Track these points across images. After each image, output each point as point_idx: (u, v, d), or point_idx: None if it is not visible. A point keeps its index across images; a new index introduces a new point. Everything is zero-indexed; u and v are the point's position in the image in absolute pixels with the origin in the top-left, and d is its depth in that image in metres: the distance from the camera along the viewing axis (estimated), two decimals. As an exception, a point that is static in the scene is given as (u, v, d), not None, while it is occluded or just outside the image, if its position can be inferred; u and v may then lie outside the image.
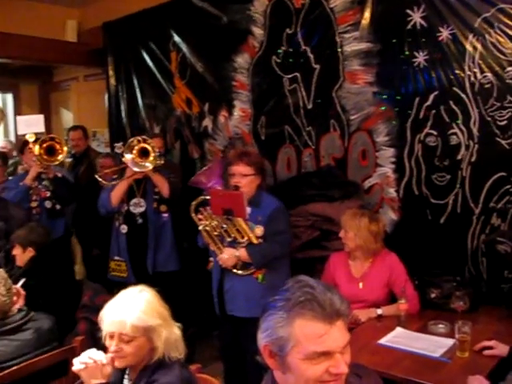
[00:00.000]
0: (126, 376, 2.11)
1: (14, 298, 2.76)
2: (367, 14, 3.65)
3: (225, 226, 3.35)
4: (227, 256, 3.32)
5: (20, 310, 2.71)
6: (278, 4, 4.12)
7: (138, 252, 4.07)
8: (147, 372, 2.00)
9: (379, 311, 3.14)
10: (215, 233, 3.41)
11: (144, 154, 3.89)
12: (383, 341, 2.76)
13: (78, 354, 2.13)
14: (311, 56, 3.98)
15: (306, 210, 3.88)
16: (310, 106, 4.04)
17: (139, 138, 3.92)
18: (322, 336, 1.33)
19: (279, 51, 4.17)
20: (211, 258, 3.56)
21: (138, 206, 4.05)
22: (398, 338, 2.78)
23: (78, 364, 2.03)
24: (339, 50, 3.81)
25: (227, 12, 4.48)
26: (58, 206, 4.69)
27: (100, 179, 4.08)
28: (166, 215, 4.13)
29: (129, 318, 1.96)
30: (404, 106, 3.55)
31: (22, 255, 3.56)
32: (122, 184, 4.00)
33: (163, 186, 4.00)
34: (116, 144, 4.24)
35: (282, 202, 3.44)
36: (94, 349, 2.08)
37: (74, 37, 6.24)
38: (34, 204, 4.58)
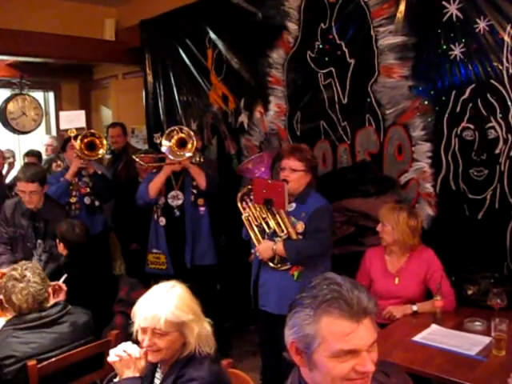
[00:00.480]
0: (158, 369, 2.15)
1: (49, 290, 2.84)
2: (402, 7, 3.60)
3: (266, 217, 3.35)
4: (264, 248, 3.33)
5: (57, 304, 2.80)
6: (312, -1, 4.11)
7: (177, 244, 4.12)
8: (178, 366, 2.03)
9: (414, 308, 3.11)
10: (256, 223, 3.42)
11: (182, 144, 3.94)
12: (418, 338, 2.73)
13: (113, 348, 2.18)
14: (346, 50, 3.95)
15: (342, 206, 3.88)
16: (345, 101, 4.02)
17: (177, 128, 3.98)
18: (348, 334, 1.33)
19: (314, 46, 4.15)
20: (253, 250, 3.54)
21: (175, 199, 4.10)
22: (433, 335, 2.75)
23: (113, 356, 2.09)
24: (374, 43, 3.77)
25: (262, 8, 4.49)
26: (96, 203, 4.80)
27: (138, 159, 4.13)
28: (203, 209, 4.16)
29: (163, 314, 1.98)
30: (440, 100, 3.49)
31: (62, 250, 3.66)
32: (160, 176, 4.06)
33: (200, 178, 4.04)
34: (155, 134, 4.31)
35: (328, 202, 3.40)
36: (129, 342, 2.13)
37: (112, 35, 6.34)
38: (73, 200, 4.70)
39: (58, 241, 3.67)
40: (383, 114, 3.80)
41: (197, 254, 4.14)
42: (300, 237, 3.29)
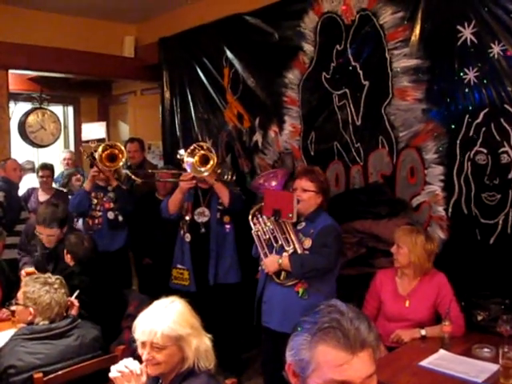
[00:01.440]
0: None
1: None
2: (417, 31, 3.62)
3: (274, 232, 3.42)
4: (270, 261, 3.38)
5: (66, 317, 2.83)
6: (328, 20, 4.14)
7: (201, 261, 4.16)
8: (177, 380, 2.06)
9: (423, 332, 3.08)
10: (265, 237, 3.47)
11: (205, 161, 3.97)
12: (425, 362, 2.71)
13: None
14: (361, 72, 3.97)
15: (353, 227, 3.88)
16: (358, 123, 4.03)
17: (196, 146, 4.00)
18: (342, 365, 1.31)
19: (329, 67, 4.17)
20: (260, 268, 3.59)
21: (202, 216, 4.14)
22: (441, 360, 2.73)
23: (114, 371, 2.10)
24: (389, 66, 3.79)
25: (279, 29, 4.53)
26: (120, 218, 4.86)
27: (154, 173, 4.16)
28: (228, 226, 4.21)
29: (159, 328, 2.02)
30: (454, 124, 3.49)
31: (69, 261, 3.70)
32: (176, 193, 4.13)
33: (224, 195, 4.08)
34: (179, 151, 4.35)
35: (337, 223, 3.44)
36: (130, 358, 2.14)
37: (131, 52, 6.44)
38: (96, 214, 4.78)
39: (65, 252, 3.71)
40: (396, 136, 3.80)
41: (220, 271, 4.16)
42: (306, 252, 3.34)
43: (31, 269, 3.90)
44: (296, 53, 4.40)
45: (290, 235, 3.37)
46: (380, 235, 3.72)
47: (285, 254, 3.36)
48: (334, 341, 1.31)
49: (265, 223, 3.49)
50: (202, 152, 3.98)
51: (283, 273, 3.36)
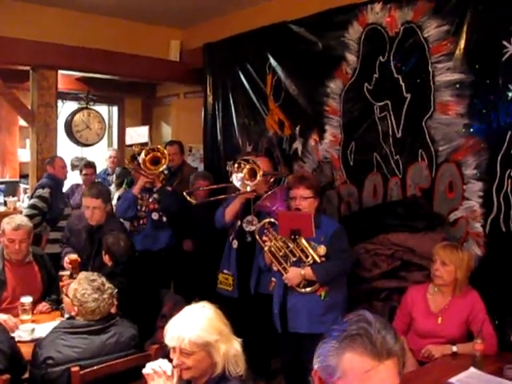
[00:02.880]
0: (190, 389, 2.22)
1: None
2: (462, 45, 3.61)
3: (290, 246, 3.46)
4: (293, 275, 3.44)
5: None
6: (372, 32, 4.16)
7: (245, 269, 4.19)
8: None
9: (454, 348, 3.06)
10: (280, 253, 3.52)
11: (253, 174, 3.99)
12: (454, 379, 2.69)
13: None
14: (403, 85, 3.97)
15: (388, 239, 3.86)
16: (399, 135, 4.03)
17: (242, 161, 4.04)
18: (368, 371, 1.32)
19: (371, 78, 4.19)
20: (273, 279, 3.69)
21: (250, 224, 4.13)
22: (470, 378, 2.71)
23: (148, 368, 2.17)
24: (431, 79, 3.78)
25: (322, 38, 4.56)
26: (164, 219, 4.95)
27: (188, 197, 4.23)
28: None
29: (187, 334, 2.08)
30: (495, 140, 3.47)
31: (108, 261, 3.80)
32: (234, 203, 4.17)
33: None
34: (229, 162, 4.39)
35: (340, 223, 3.62)
36: (166, 360, 2.20)
37: (176, 56, 6.56)
38: (142, 214, 4.89)
39: (103, 252, 3.82)
40: (436, 150, 3.78)
41: (262, 282, 4.15)
42: (323, 259, 3.42)
43: (74, 255, 4.03)
44: (339, 63, 4.42)
45: (305, 247, 3.43)
46: (415, 249, 3.70)
47: (304, 265, 3.42)
48: (361, 348, 1.33)
49: (276, 239, 3.53)
50: (249, 166, 4.00)
51: (303, 282, 3.45)
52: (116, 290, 2.99)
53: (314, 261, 3.40)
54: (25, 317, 3.48)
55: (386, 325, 1.40)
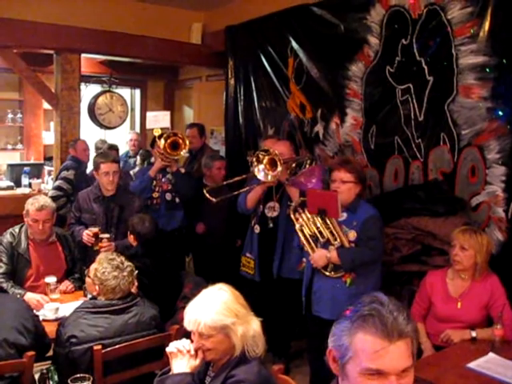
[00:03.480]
0: (210, 368, 2.26)
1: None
2: (486, 27, 3.53)
3: (319, 227, 3.45)
4: (318, 256, 3.42)
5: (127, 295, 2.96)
6: (394, 14, 4.10)
7: (267, 254, 4.21)
8: (228, 367, 2.13)
9: (473, 333, 3.05)
10: (309, 233, 3.51)
11: (274, 164, 3.98)
12: (473, 365, 2.69)
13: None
14: (425, 67, 3.91)
15: (409, 223, 3.85)
16: (421, 118, 3.98)
17: (269, 149, 4.02)
18: (377, 351, 1.34)
19: (394, 61, 4.14)
20: (304, 259, 3.67)
21: (271, 210, 4.17)
22: (489, 363, 2.70)
23: (172, 347, 2.22)
24: (454, 62, 3.72)
25: (344, 20, 4.52)
26: (177, 200, 5.01)
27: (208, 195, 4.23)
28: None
29: (203, 319, 2.12)
30: (519, 124, 3.42)
31: (132, 241, 3.86)
32: (256, 189, 4.16)
33: (294, 196, 4.05)
34: (249, 151, 4.39)
35: (378, 211, 3.47)
36: (188, 340, 2.24)
37: (198, 39, 6.56)
38: (155, 195, 4.95)
39: (128, 233, 3.87)
40: (459, 133, 3.74)
41: (285, 266, 4.18)
42: (352, 245, 3.38)
43: (95, 228, 4.10)
44: (361, 45, 4.39)
45: (335, 229, 3.40)
46: (436, 233, 3.68)
47: (331, 247, 3.40)
48: (372, 328, 1.36)
49: (308, 218, 3.52)
50: (268, 157, 3.99)
51: (330, 265, 3.41)
52: (136, 272, 3.04)
53: (342, 244, 3.37)
54: (54, 296, 3.56)
55: (399, 306, 1.42)
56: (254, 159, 4.03)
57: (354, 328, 1.39)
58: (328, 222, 3.41)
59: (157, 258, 3.73)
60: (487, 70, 3.55)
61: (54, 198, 4.53)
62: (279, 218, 4.17)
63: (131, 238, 3.83)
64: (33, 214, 3.72)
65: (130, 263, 3.02)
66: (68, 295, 3.73)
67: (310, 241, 3.50)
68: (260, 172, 3.99)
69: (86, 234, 4.08)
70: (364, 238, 3.35)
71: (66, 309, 3.26)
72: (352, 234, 3.38)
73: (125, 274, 2.92)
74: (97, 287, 2.90)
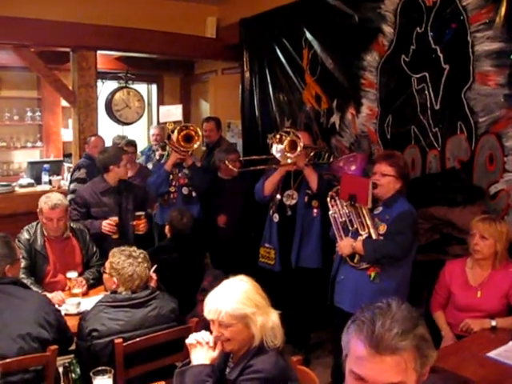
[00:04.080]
0: (229, 359, 2.28)
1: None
2: (502, 12, 3.49)
3: (350, 215, 3.46)
4: (344, 244, 3.43)
5: (146, 288, 3.01)
6: (408, 2, 4.07)
7: (287, 243, 4.22)
8: (246, 357, 2.16)
9: (493, 322, 3.04)
10: (341, 220, 3.52)
11: (294, 146, 4.00)
12: (493, 354, 2.68)
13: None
14: (441, 55, 3.88)
15: (428, 213, 3.83)
16: (437, 107, 3.95)
17: (283, 133, 4.06)
18: (360, 358, 1.35)
19: (409, 50, 4.11)
20: (336, 249, 3.63)
21: (290, 198, 4.19)
22: (510, 352, 2.68)
23: (191, 339, 2.25)
24: (470, 49, 3.69)
25: (358, 10, 4.50)
26: (193, 193, 5.05)
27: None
28: (316, 211, 4.19)
29: (223, 307, 2.14)
30: (537, 110, 3.38)
31: (168, 231, 4.04)
32: (274, 175, 4.19)
33: (312, 181, 4.08)
34: (268, 135, 4.41)
35: (413, 208, 3.41)
36: (207, 332, 2.26)
37: (213, 33, 6.57)
38: (172, 189, 5.00)
39: (166, 223, 4.01)
40: (476, 121, 3.71)
41: (303, 255, 4.19)
42: (381, 238, 3.35)
43: (114, 218, 4.25)
44: (375, 35, 4.36)
45: (365, 220, 3.39)
46: (455, 222, 3.66)
47: (359, 237, 3.39)
48: (362, 335, 1.36)
49: (342, 206, 3.53)
50: (289, 138, 4.00)
51: (357, 256, 3.41)
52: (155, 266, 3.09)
53: (370, 235, 3.36)
54: (76, 290, 3.59)
55: (405, 320, 1.37)
56: (277, 138, 4.05)
57: (351, 330, 1.41)
58: (360, 212, 3.41)
59: (185, 253, 3.81)
60: (504, 56, 3.50)
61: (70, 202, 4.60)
62: (297, 207, 4.18)
63: (167, 228, 3.97)
64: (46, 213, 3.76)
65: (141, 250, 3.08)
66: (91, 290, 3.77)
67: (340, 228, 3.52)
68: (278, 152, 4.00)
69: (109, 225, 4.19)
70: (392, 232, 3.29)
71: (88, 303, 3.30)
72: (382, 227, 3.34)
73: (139, 260, 2.97)
74: (115, 279, 2.95)
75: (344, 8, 4.63)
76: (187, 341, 2.27)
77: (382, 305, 1.42)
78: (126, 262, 2.94)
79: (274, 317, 2.23)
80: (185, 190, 5.02)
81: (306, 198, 4.19)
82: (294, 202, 4.19)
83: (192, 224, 3.97)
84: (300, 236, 4.18)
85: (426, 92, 4.01)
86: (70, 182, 5.53)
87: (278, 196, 4.24)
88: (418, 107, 4.08)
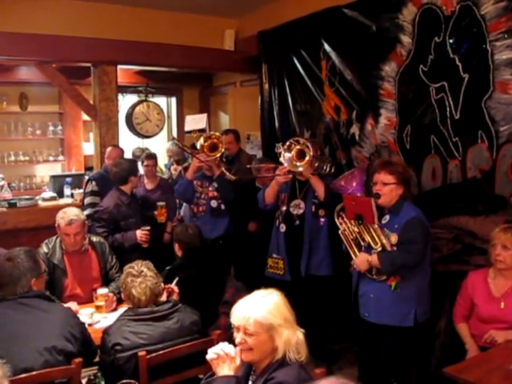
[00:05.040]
0: (252, 372, 2.29)
1: (162, 285, 3.10)
2: (521, 21, 3.49)
3: (360, 231, 3.47)
4: (360, 260, 3.44)
5: (168, 301, 3.03)
6: (426, 12, 4.07)
7: (295, 252, 4.24)
8: (269, 370, 2.16)
9: (518, 334, 3.01)
10: (351, 237, 3.53)
11: (302, 155, 4.03)
12: (518, 365, 2.65)
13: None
14: (460, 65, 3.87)
15: (449, 223, 3.81)
16: (457, 116, 3.94)
17: (299, 140, 4.08)
18: None
19: (427, 60, 4.11)
20: (352, 262, 3.64)
21: (297, 208, 4.22)
22: (535, 364, 2.66)
23: (211, 353, 2.24)
24: (490, 58, 3.67)
25: (376, 21, 4.51)
26: (222, 206, 5.05)
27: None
28: (323, 220, 4.22)
29: (252, 314, 2.15)
30: (558, 119, 3.35)
31: (177, 250, 3.94)
32: (272, 185, 4.24)
33: (319, 189, 4.09)
34: (277, 144, 4.44)
35: (422, 213, 3.42)
36: (226, 342, 2.26)
37: (231, 45, 6.63)
38: (201, 202, 5.03)
39: (174, 242, 3.96)
40: (497, 130, 3.69)
41: (312, 263, 4.21)
42: (394, 248, 3.35)
43: (147, 227, 4.45)
44: (393, 45, 4.37)
45: (376, 233, 3.40)
46: (476, 232, 3.63)
47: (374, 251, 3.39)
48: None
49: (350, 222, 3.55)
50: (299, 147, 4.03)
51: (374, 269, 3.41)
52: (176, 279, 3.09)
53: (384, 248, 3.36)
54: (99, 303, 3.61)
55: None
56: (286, 145, 4.07)
57: None
58: (369, 228, 3.41)
59: (202, 268, 3.79)
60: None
61: (88, 216, 4.66)
62: (305, 216, 4.21)
63: (176, 248, 3.91)
64: (63, 229, 3.80)
65: (147, 265, 3.07)
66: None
67: (353, 245, 3.53)
68: (286, 161, 4.04)
69: (144, 235, 4.41)
70: (404, 241, 3.30)
71: (112, 317, 3.33)
72: (394, 238, 3.34)
73: (140, 279, 2.95)
74: (131, 297, 2.97)
75: (362, 19, 4.65)
76: (207, 357, 2.25)
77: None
78: (126, 279, 2.98)
79: (299, 334, 2.23)
80: (214, 203, 5.03)
81: (313, 207, 4.21)
82: (301, 211, 4.22)
83: (199, 234, 3.92)
84: (309, 245, 4.20)
85: (446, 102, 4.00)
86: (84, 196, 5.56)
87: (284, 207, 4.28)
88: (438, 117, 4.07)
